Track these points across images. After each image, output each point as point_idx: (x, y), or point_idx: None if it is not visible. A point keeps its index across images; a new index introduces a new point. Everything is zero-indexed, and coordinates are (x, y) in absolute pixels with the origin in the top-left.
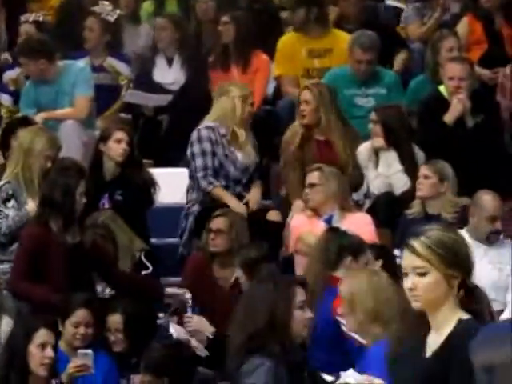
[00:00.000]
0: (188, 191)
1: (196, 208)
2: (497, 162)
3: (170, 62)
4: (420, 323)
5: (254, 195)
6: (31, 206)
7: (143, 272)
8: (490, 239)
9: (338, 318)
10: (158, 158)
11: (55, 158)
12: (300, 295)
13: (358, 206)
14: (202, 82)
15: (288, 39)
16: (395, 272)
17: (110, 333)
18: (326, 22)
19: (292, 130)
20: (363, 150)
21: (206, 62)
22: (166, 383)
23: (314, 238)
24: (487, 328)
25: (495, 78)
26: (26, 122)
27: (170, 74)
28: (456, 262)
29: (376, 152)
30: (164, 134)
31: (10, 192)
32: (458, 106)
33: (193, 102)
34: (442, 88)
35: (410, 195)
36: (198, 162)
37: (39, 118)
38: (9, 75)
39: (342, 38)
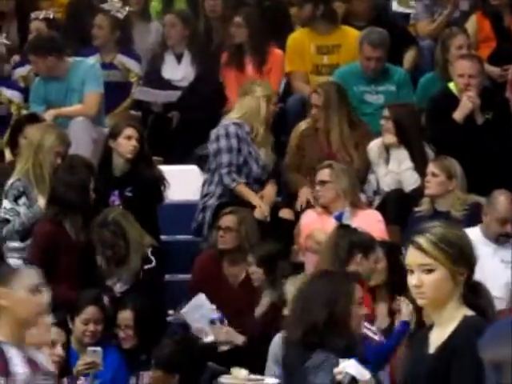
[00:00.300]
0: (204, 184)
1: (213, 201)
2: (506, 159)
3: (179, 58)
4: None
5: (269, 193)
6: (42, 202)
7: (145, 266)
8: (499, 241)
9: None
10: (167, 155)
11: (65, 154)
12: (358, 291)
13: (368, 202)
14: (212, 79)
15: (297, 35)
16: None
17: (120, 329)
18: (333, 18)
19: (296, 131)
20: (374, 146)
21: (215, 58)
22: (177, 379)
23: (324, 236)
24: (497, 324)
25: (505, 75)
26: (34, 119)
27: (179, 71)
28: (461, 259)
29: (387, 149)
30: (174, 131)
31: (21, 189)
32: (467, 103)
33: (202, 98)
34: (451, 85)
35: (419, 192)
36: (224, 158)
37: (48, 115)
38: (19, 72)
39: (351, 34)
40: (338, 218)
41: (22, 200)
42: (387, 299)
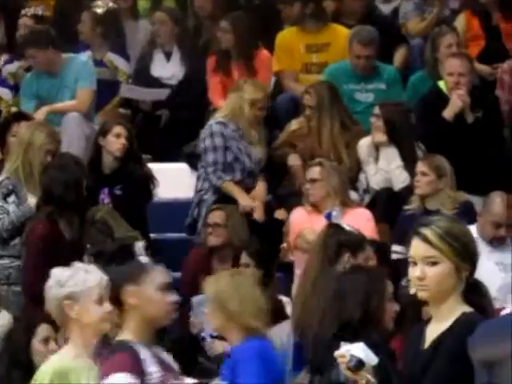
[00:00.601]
0: (198, 179)
1: (209, 196)
2: (496, 157)
3: (168, 56)
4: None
5: (260, 192)
6: (32, 201)
7: None
8: (493, 244)
9: None
10: (156, 153)
11: (55, 152)
12: (390, 287)
13: (359, 201)
14: (200, 77)
15: (286, 34)
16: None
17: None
18: (323, 17)
19: (287, 130)
20: (363, 144)
21: (204, 56)
22: None
23: (313, 236)
24: (486, 323)
25: (494, 73)
26: (22, 117)
27: (168, 69)
28: (466, 254)
29: (376, 147)
30: (163, 129)
31: (11, 187)
32: (457, 101)
33: (191, 96)
34: (441, 84)
35: (409, 191)
36: (209, 157)
37: (41, 113)
38: (8, 69)
39: (341, 33)
40: (328, 217)
41: (12, 198)
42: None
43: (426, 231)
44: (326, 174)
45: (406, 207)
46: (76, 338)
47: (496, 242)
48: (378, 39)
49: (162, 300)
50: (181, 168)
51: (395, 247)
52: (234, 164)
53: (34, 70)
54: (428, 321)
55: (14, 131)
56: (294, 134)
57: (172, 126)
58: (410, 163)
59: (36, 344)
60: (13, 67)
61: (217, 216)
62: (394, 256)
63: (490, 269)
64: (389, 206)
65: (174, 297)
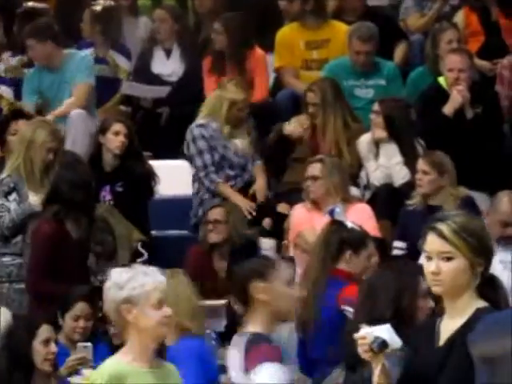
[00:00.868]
0: (193, 182)
1: (208, 196)
2: (496, 153)
3: (168, 53)
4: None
5: (260, 186)
6: (33, 198)
7: (138, 260)
8: (500, 244)
9: (344, 308)
10: (157, 150)
11: (57, 150)
12: (423, 283)
13: (361, 196)
14: (201, 74)
15: (286, 31)
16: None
17: (111, 325)
18: (323, 13)
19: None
20: (364, 141)
21: (204, 53)
22: None
23: (313, 236)
24: (486, 319)
25: (494, 69)
26: (19, 115)
27: (168, 66)
28: (481, 250)
29: (377, 143)
30: (163, 126)
31: (12, 185)
32: (457, 97)
33: (191, 93)
34: (441, 79)
35: (409, 187)
36: (197, 162)
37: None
38: (7, 63)
39: (341, 29)
40: (331, 213)
41: (13, 196)
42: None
43: (442, 226)
44: (326, 172)
45: (408, 202)
46: (133, 341)
47: (503, 241)
48: (377, 35)
49: (290, 295)
50: (181, 165)
51: (396, 243)
52: (222, 162)
53: (36, 66)
54: (438, 318)
55: (13, 129)
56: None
57: (172, 124)
58: (410, 159)
59: (37, 345)
60: (13, 61)
61: (217, 213)
62: (395, 252)
63: (494, 267)
64: (389, 201)
65: (297, 291)
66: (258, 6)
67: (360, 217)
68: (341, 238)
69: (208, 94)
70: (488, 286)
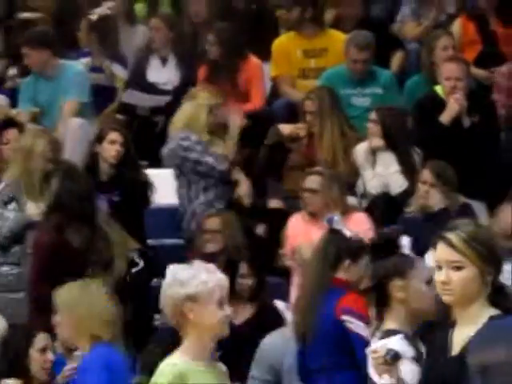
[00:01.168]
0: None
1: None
2: (493, 162)
3: (164, 61)
4: None
5: (244, 190)
6: (32, 208)
7: (133, 269)
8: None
9: (343, 318)
10: (153, 159)
11: (56, 160)
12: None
13: (358, 205)
14: (196, 83)
15: (283, 40)
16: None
17: None
18: (321, 22)
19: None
20: (360, 149)
21: (200, 62)
22: None
23: (309, 252)
24: (482, 329)
25: (491, 77)
26: (10, 124)
27: (163, 74)
28: (490, 259)
29: (373, 152)
30: (159, 135)
31: (11, 195)
32: (454, 105)
33: None
34: (438, 88)
35: (406, 196)
36: (206, 159)
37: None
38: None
39: (338, 38)
40: (330, 222)
41: (12, 205)
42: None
43: (451, 236)
44: (325, 185)
45: (407, 210)
46: (192, 340)
47: (506, 254)
48: (374, 43)
49: (428, 294)
50: None
51: None
52: (209, 171)
53: (32, 74)
54: (448, 327)
55: (5, 138)
56: (288, 138)
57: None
58: (407, 168)
59: (33, 353)
60: (12, 71)
61: (213, 222)
62: None
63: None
64: (386, 210)
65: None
66: (254, 15)
67: (358, 227)
68: (339, 247)
69: None
70: (499, 295)
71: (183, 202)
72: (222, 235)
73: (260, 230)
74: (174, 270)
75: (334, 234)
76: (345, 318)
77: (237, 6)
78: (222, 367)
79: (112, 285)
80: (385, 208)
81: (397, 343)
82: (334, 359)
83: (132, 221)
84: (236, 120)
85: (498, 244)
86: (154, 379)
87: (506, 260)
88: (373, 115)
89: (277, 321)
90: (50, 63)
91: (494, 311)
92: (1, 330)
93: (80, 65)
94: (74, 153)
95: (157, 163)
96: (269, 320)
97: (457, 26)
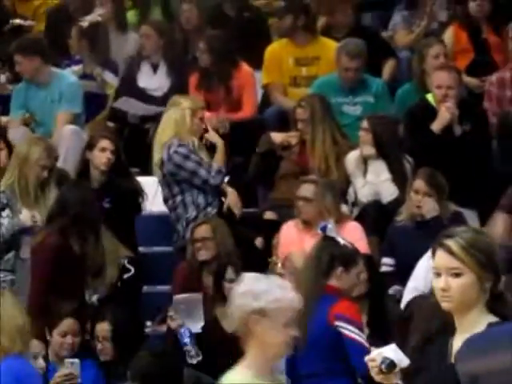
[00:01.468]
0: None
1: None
2: (484, 170)
3: (155, 68)
4: None
5: (233, 200)
6: (25, 215)
7: (125, 276)
8: None
9: (337, 324)
10: (144, 166)
11: (52, 167)
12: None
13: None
14: (187, 89)
15: (275, 47)
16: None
17: (98, 341)
18: (313, 30)
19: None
20: (351, 157)
21: (191, 69)
22: None
23: (300, 260)
24: (472, 337)
25: (482, 85)
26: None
27: (154, 80)
28: (489, 266)
29: (364, 160)
30: (150, 142)
31: (5, 201)
32: (445, 114)
33: None
34: (429, 96)
35: (396, 204)
36: (201, 172)
37: None
38: None
39: (330, 46)
40: (323, 229)
41: (6, 212)
42: (366, 310)
43: (450, 242)
44: (319, 194)
45: (398, 218)
46: (255, 354)
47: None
48: (365, 52)
49: None
50: None
51: (385, 259)
52: (193, 179)
53: (24, 81)
54: (448, 335)
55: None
56: (280, 146)
57: None
58: (398, 176)
59: None
60: (3, 78)
61: (203, 230)
62: (383, 268)
63: None
64: (377, 218)
65: None
66: (245, 22)
67: (352, 236)
68: (332, 254)
69: None
70: (498, 302)
71: (177, 210)
72: (214, 242)
73: (258, 242)
74: (248, 281)
75: (327, 241)
76: (338, 323)
77: (228, 14)
78: (283, 379)
79: (103, 292)
80: (376, 216)
81: (391, 352)
82: (327, 365)
83: (123, 228)
84: (218, 141)
85: (496, 251)
86: None
87: None
88: (364, 123)
89: None
90: (42, 70)
91: (492, 318)
92: None
93: (73, 75)
94: (67, 160)
95: (147, 171)
96: None
97: (449, 34)
